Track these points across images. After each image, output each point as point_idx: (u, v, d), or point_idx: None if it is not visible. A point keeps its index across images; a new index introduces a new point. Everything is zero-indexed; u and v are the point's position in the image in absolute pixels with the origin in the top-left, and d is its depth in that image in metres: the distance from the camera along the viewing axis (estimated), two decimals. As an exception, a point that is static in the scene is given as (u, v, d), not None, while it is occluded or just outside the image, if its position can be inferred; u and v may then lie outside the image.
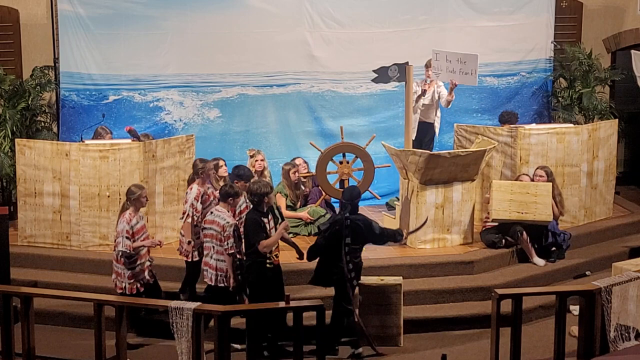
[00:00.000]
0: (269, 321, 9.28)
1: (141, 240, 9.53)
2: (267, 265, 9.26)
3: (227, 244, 9.26)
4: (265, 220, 9.29)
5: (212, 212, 9.49)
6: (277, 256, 9.39)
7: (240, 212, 9.87)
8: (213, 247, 9.37)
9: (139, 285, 9.50)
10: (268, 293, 9.16)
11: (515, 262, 11.18)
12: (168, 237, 11.37)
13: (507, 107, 13.30)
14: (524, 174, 11.53)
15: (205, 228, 9.45)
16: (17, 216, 11.55)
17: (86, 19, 12.53)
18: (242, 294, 9.65)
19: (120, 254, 9.40)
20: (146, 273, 9.61)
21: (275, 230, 9.38)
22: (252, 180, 9.71)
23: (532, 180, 11.39)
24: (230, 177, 10.27)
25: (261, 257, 9.23)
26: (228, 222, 9.30)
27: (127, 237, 9.36)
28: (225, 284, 9.35)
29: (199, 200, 9.91)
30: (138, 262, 9.52)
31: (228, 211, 9.47)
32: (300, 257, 9.76)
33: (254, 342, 9.12)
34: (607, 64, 14.44)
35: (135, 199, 9.54)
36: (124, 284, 9.43)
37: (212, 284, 9.40)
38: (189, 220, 9.88)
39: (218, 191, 9.81)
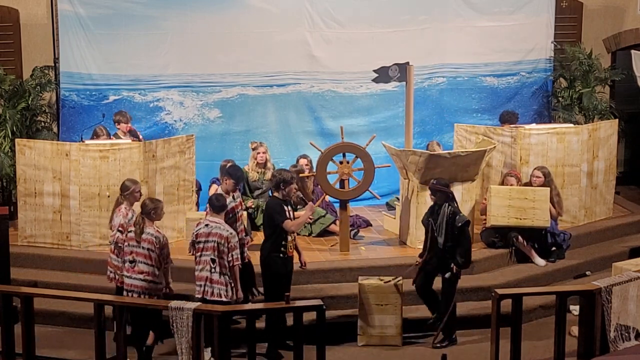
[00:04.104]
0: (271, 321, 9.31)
1: None
2: (280, 255, 9.23)
3: (232, 255, 9.00)
4: (286, 208, 9.29)
5: (207, 225, 9.09)
6: (291, 248, 9.35)
7: (232, 210, 9.65)
8: (214, 260, 9.01)
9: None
10: (282, 286, 9.07)
11: (515, 262, 11.18)
12: (168, 237, 11.31)
13: (507, 107, 13.29)
14: (509, 176, 11.46)
15: (199, 242, 9.08)
16: (17, 216, 11.55)
17: (86, 19, 12.52)
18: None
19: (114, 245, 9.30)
20: None
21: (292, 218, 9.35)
22: (277, 169, 9.66)
23: (519, 179, 11.40)
24: (221, 172, 10.10)
25: (277, 248, 9.19)
26: (232, 233, 9.05)
27: (119, 231, 9.25)
28: (228, 297, 9.01)
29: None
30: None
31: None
32: (303, 265, 9.75)
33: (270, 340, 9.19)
34: (607, 64, 14.44)
35: (129, 193, 9.49)
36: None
37: (223, 300, 8.95)
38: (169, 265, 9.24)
39: (208, 203, 9.42)
